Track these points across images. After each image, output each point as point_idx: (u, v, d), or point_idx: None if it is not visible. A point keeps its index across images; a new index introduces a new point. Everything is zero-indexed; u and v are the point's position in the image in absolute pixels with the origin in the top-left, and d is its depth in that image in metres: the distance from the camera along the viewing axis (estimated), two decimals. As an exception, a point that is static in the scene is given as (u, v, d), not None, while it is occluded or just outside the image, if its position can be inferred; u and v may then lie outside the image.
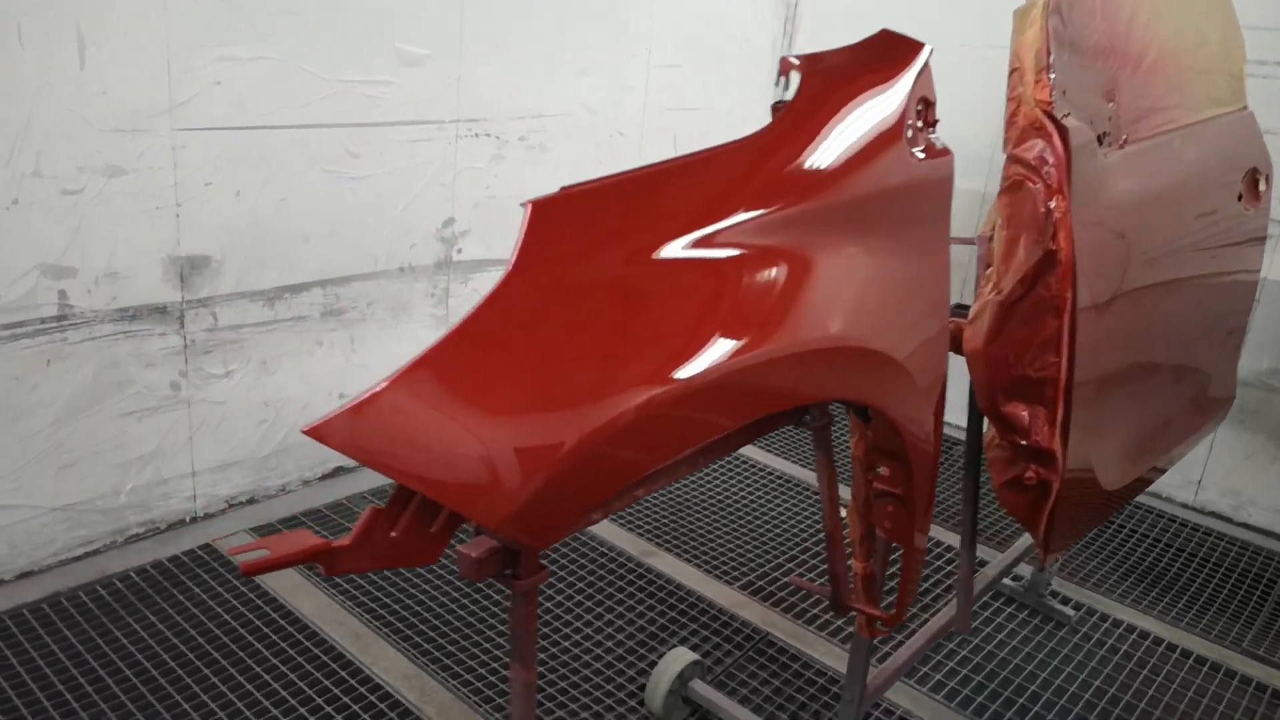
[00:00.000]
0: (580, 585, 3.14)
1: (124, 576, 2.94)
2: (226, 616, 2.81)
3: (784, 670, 2.81)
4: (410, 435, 1.00)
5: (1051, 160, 1.72)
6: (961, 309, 1.98)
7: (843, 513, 3.73)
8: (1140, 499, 4.01)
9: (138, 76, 2.69)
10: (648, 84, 4.12)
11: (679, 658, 2.58)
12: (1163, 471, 2.44)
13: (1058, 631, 3.11)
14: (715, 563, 3.34)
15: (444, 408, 1.02)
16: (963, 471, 2.44)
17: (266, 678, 2.58)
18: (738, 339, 1.20)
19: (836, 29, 4.50)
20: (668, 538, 3.48)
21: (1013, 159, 1.78)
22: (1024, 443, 1.86)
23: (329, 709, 2.48)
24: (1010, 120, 1.78)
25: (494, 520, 1.04)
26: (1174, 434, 2.32)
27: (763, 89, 4.71)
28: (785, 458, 4.22)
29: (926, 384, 1.54)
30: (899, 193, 1.45)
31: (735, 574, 3.28)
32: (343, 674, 2.62)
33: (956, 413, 2.08)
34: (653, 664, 2.74)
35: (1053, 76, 1.71)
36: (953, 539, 3.58)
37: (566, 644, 2.83)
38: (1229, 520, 3.93)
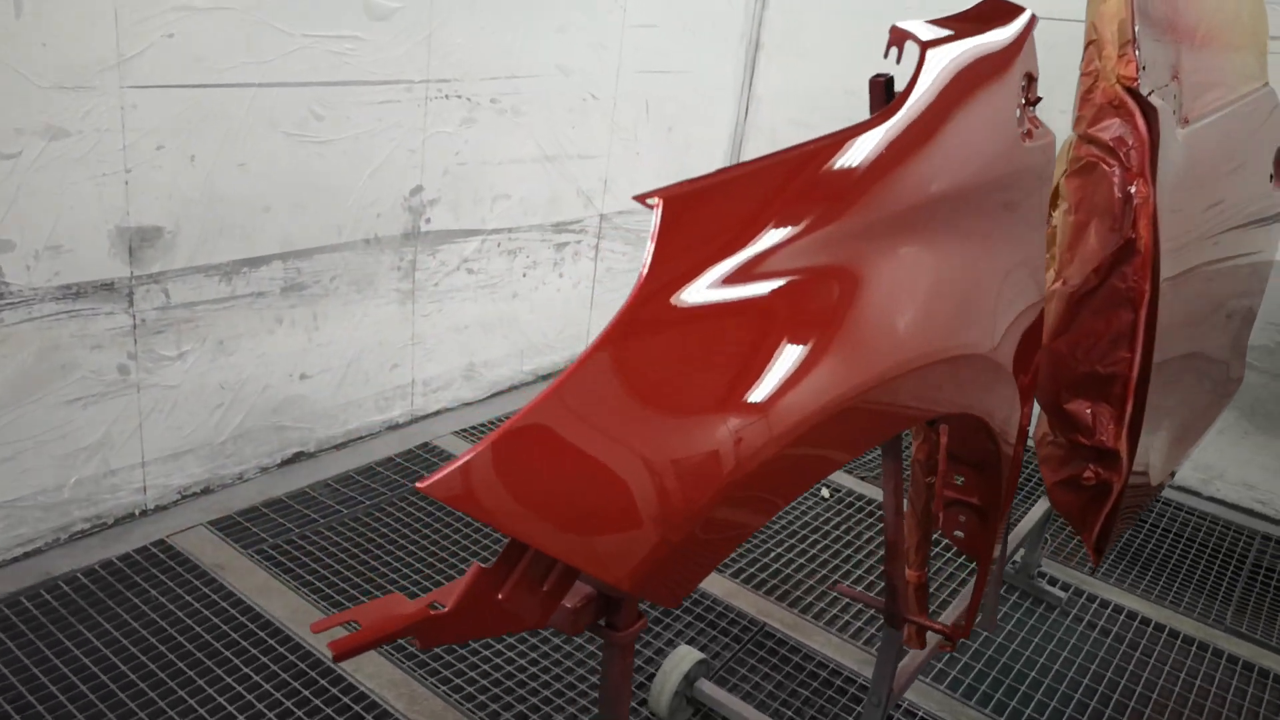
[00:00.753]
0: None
1: (70, 578, 2.69)
2: (188, 620, 2.58)
3: (785, 663, 2.71)
4: (534, 487, 0.84)
5: (1132, 142, 1.61)
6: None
7: (825, 493, 3.67)
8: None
9: (82, 27, 2.41)
10: (622, 43, 3.91)
11: (685, 657, 2.46)
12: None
13: (1049, 614, 3.08)
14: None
15: (569, 455, 0.86)
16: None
17: (238, 688, 2.38)
18: (868, 355, 1.06)
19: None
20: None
21: (1086, 139, 1.66)
22: (1086, 442, 1.76)
23: (311, 720, 2.30)
24: (1085, 97, 1.66)
25: (631, 580, 0.89)
26: (1204, 420, 2.27)
27: (734, 52, 4.55)
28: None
29: (1023, 386, 1.43)
30: (1008, 181, 1.32)
31: (729, 562, 3.17)
32: (323, 682, 2.43)
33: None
34: (650, 659, 2.62)
35: (1138, 51, 1.59)
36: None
37: (552, 636, 2.69)
38: (1198, 495, 3.97)
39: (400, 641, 2.58)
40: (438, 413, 3.83)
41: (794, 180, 1.06)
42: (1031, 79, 1.36)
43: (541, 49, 3.60)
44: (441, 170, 3.40)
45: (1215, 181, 2.09)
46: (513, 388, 4.11)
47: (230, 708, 2.31)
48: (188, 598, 2.67)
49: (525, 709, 2.42)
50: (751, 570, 3.13)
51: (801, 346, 1.02)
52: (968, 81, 1.19)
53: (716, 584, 3.03)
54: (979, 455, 1.48)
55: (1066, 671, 2.79)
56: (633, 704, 2.49)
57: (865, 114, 1.18)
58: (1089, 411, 1.75)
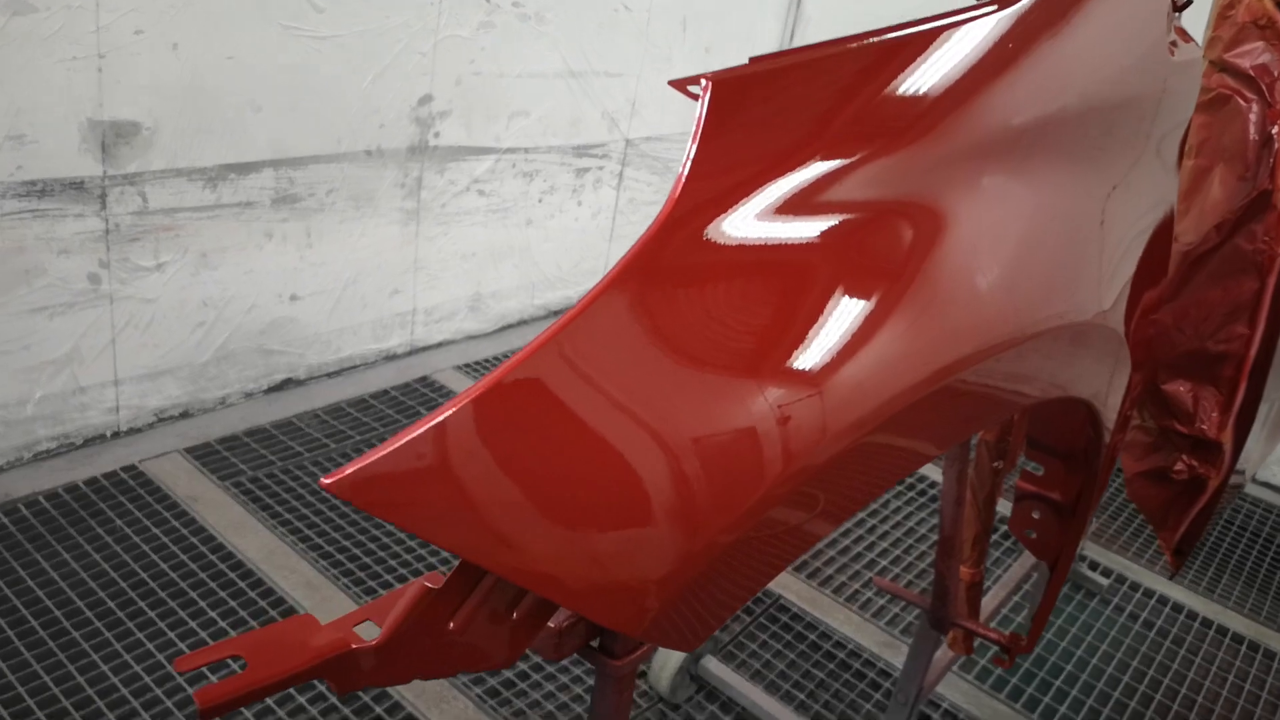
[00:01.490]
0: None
1: (31, 501, 2.48)
2: (153, 555, 2.37)
3: (799, 641, 2.48)
4: (506, 487, 0.58)
5: (1279, 72, 1.30)
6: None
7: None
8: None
9: (47, -116, 2.11)
10: (659, -50, 3.57)
11: (692, 631, 2.23)
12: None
13: (1088, 602, 2.83)
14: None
15: (560, 438, 0.60)
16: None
17: (202, 634, 2.17)
18: (973, 317, 0.79)
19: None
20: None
21: (1219, 66, 1.36)
22: (1183, 430, 1.49)
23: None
24: (1222, 14, 1.35)
25: (641, 621, 0.64)
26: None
27: (780, -29, 4.18)
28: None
29: (1137, 360, 1.15)
30: (1145, 102, 1.03)
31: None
32: (295, 633, 2.22)
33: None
34: (654, 630, 2.39)
35: (1298, -42, 1.28)
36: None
37: (555, 603, 2.47)
38: (1254, 479, 3.69)
39: (384, 591, 2.36)
40: (440, 344, 3.58)
41: (880, 75, 0.79)
42: (1175, -24, 1.07)
43: (571, -52, 3.27)
44: (454, 79, 3.09)
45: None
46: (522, 322, 3.84)
47: (187, 650, 2.10)
48: (155, 530, 2.46)
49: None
50: (767, 535, 2.89)
51: (887, 304, 0.75)
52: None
53: (729, 548, 2.79)
54: (1068, 442, 1.22)
55: (1105, 667, 2.55)
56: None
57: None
58: (1190, 395, 1.47)
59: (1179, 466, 1.53)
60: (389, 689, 2.12)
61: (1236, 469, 1.57)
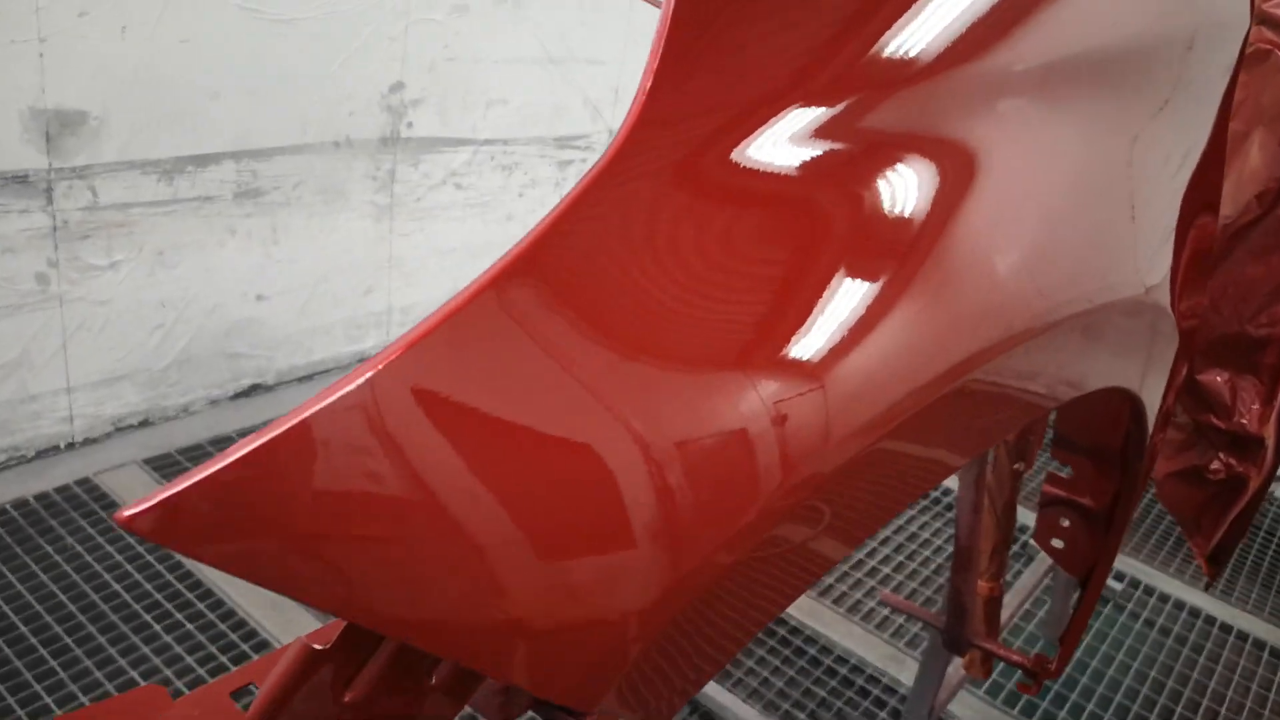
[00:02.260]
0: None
1: (-25, 518, 2.32)
2: (108, 577, 2.21)
3: (798, 656, 2.33)
4: (386, 529, 0.43)
5: (1331, 22, 1.16)
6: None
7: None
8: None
9: None
10: (643, -67, 3.42)
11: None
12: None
13: (1100, 607, 2.69)
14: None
15: (463, 450, 0.45)
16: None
17: (155, 660, 2.01)
18: (985, 304, 0.64)
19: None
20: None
21: (1258, 17, 1.21)
22: (1220, 425, 1.34)
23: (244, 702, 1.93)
24: (1264, -41, 1.21)
25: (585, 699, 0.49)
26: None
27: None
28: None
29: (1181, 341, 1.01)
30: (1194, 36, 0.89)
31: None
32: (257, 656, 2.06)
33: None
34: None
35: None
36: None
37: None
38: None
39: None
40: (419, 345, 3.42)
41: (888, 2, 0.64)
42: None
43: (550, -69, 3.12)
44: (427, 65, 2.94)
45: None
46: (505, 321, 3.69)
47: (143, 681, 1.94)
48: (110, 548, 2.30)
49: None
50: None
51: (898, 280, 0.61)
52: None
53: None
54: (1102, 440, 1.07)
55: (1121, 677, 2.41)
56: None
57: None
58: (1228, 385, 1.33)
59: (1215, 465, 1.39)
60: None
61: (1281, 469, 1.43)
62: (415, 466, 0.43)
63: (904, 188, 0.64)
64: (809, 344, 0.57)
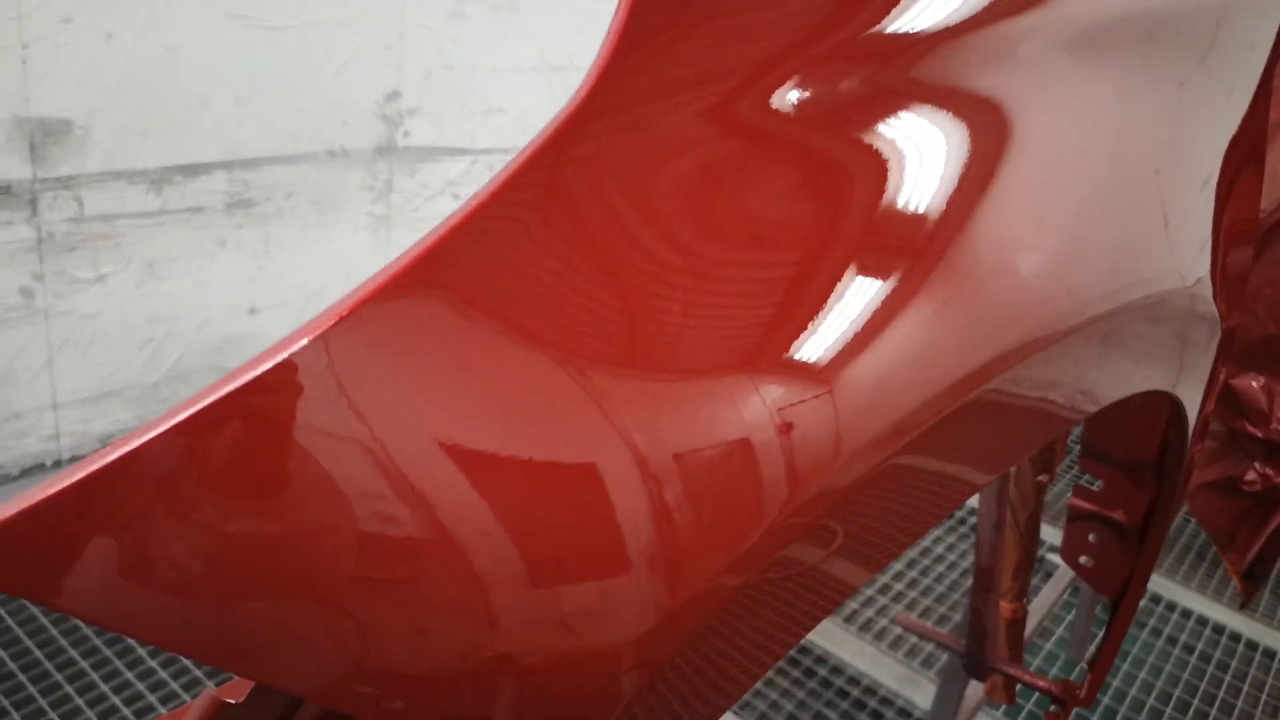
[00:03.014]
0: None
1: (-43, 540, 2.24)
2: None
3: (809, 677, 2.25)
4: (295, 567, 0.36)
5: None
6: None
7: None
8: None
9: None
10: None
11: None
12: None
13: (1122, 624, 2.59)
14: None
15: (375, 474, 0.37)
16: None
17: (139, 686, 1.94)
18: (1011, 302, 0.57)
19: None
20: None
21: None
22: (1256, 433, 1.26)
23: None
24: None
25: None
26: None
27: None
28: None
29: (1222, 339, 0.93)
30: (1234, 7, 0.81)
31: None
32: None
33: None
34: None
35: None
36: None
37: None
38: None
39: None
40: (417, 359, 3.35)
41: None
42: None
43: (548, -66, 3.06)
44: (423, 74, 2.88)
45: None
46: (506, 334, 3.62)
47: (119, 702, 1.87)
48: (94, 569, 2.22)
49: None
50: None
51: (914, 274, 0.53)
52: None
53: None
54: (1135, 450, 0.99)
55: (1145, 698, 2.32)
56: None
57: None
58: (1264, 391, 1.25)
59: (1251, 476, 1.30)
60: None
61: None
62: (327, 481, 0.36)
63: (915, 164, 0.57)
64: (813, 346, 0.50)
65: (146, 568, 0.35)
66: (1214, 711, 2.31)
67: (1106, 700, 2.29)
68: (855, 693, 2.21)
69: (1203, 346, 0.88)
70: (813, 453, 0.48)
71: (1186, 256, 0.82)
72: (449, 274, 0.40)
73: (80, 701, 1.89)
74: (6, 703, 1.86)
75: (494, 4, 2.95)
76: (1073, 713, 1.61)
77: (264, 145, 2.60)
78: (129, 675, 1.97)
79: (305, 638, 0.37)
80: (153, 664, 2.00)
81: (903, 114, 0.57)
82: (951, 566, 2.69)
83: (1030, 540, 1.22)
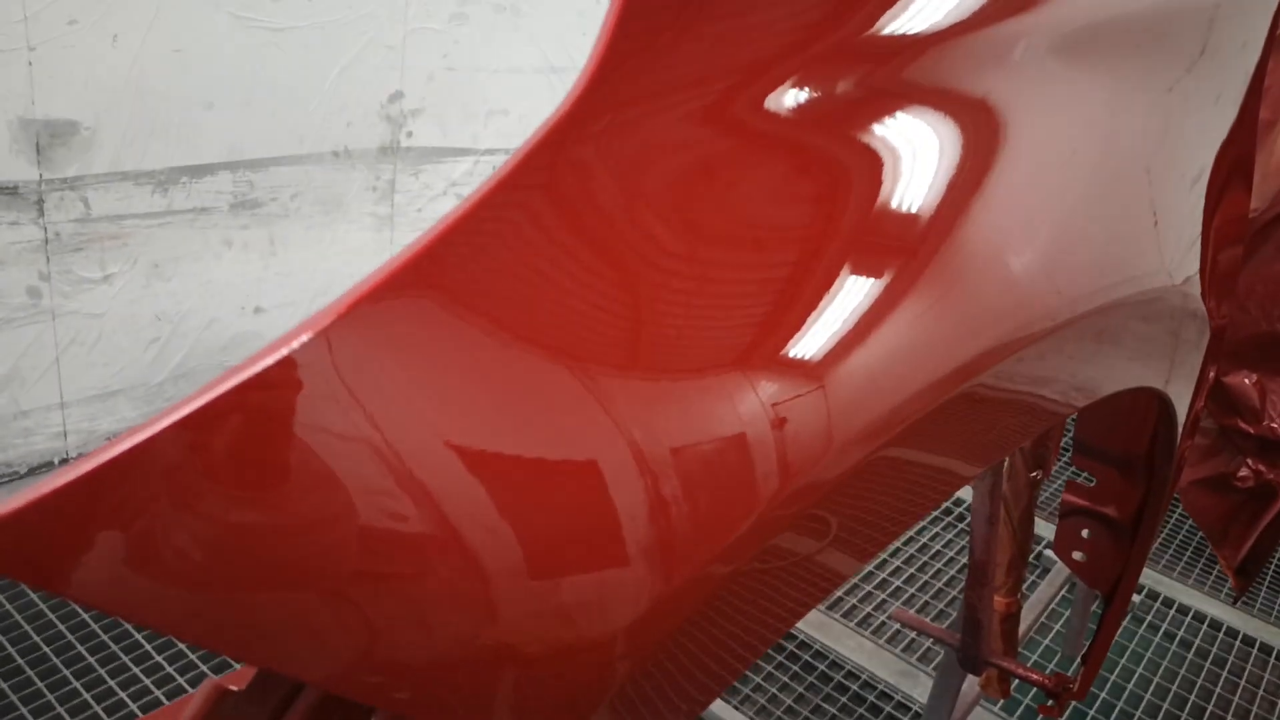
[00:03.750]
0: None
1: (-34, 536, 2.27)
2: (99, 594, 2.16)
3: (807, 672, 2.27)
4: (301, 553, 0.38)
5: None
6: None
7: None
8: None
9: None
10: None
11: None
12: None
13: (1119, 620, 2.61)
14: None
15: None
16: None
17: (147, 681, 1.96)
18: (1001, 298, 0.59)
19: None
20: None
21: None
22: (1248, 429, 1.28)
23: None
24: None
25: None
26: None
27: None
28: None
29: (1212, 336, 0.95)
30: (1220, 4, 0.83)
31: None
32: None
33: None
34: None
35: None
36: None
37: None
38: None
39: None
40: (420, 358, 3.37)
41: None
42: None
43: (550, -63, 3.08)
44: (426, 75, 2.90)
45: None
46: (508, 333, 3.64)
47: (127, 696, 1.89)
48: (102, 566, 2.24)
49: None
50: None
51: (907, 271, 0.55)
52: None
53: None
54: (1127, 446, 1.01)
55: (1142, 693, 2.34)
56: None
57: None
58: (1257, 387, 1.27)
59: (1243, 472, 1.33)
60: None
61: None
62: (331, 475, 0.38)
63: (908, 165, 0.59)
64: (806, 342, 0.52)
65: (152, 557, 0.36)
66: (1209, 706, 2.33)
67: (1103, 695, 2.31)
68: (854, 687, 2.24)
69: (1193, 344, 0.90)
70: (804, 445, 0.50)
71: (1175, 255, 0.84)
72: (448, 271, 0.42)
73: (78, 685, 1.91)
74: (6, 686, 1.89)
75: (496, 6, 2.98)
76: (1069, 707, 1.63)
77: (269, 146, 2.62)
78: (126, 660, 1.99)
79: (309, 627, 0.39)
80: (149, 649, 2.02)
81: (896, 115, 0.59)
82: (949, 562, 2.71)
83: (1024, 535, 1.24)
